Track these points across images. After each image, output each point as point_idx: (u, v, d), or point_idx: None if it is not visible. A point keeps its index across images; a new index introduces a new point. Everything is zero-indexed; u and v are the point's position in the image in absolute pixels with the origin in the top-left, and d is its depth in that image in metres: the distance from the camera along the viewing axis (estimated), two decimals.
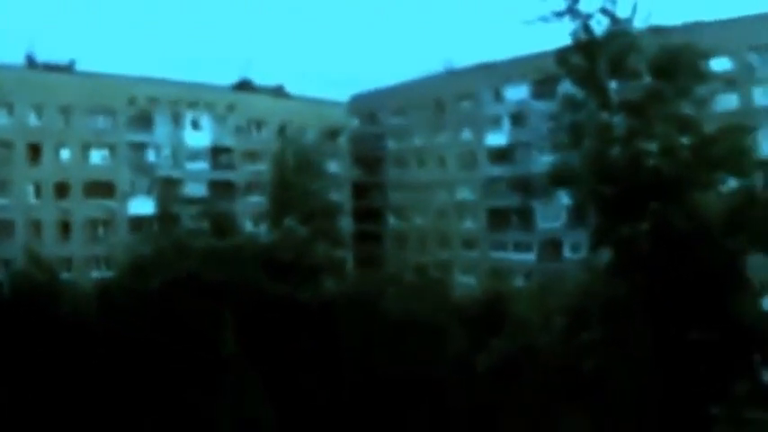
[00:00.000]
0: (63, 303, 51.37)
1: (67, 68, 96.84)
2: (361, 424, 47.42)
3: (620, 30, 35.27)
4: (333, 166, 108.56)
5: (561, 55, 37.85)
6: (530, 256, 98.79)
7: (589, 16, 35.87)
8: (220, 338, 48.41)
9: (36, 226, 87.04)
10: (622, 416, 33.75)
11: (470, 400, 43.23)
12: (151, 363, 47.23)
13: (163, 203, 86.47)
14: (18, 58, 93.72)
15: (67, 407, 46.49)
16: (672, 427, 32.81)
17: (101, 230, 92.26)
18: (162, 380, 47.07)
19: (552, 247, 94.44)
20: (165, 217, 79.91)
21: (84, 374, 47.24)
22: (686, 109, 35.01)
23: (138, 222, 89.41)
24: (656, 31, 34.78)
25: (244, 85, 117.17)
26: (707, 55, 37.70)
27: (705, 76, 36.01)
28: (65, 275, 69.02)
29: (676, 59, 34.35)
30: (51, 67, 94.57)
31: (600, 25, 35.92)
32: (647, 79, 35.23)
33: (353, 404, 48.26)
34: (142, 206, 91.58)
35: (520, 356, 38.64)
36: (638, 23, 35.08)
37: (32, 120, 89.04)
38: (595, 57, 36.27)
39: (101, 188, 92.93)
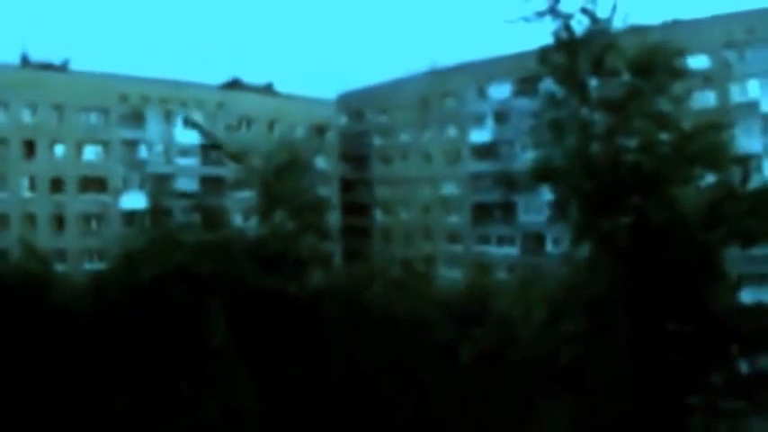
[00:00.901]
0: (57, 293, 51.19)
1: (61, 68, 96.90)
2: (347, 414, 47.33)
3: (599, 29, 35.35)
4: (321, 163, 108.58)
5: (543, 54, 37.92)
6: (513, 250, 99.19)
7: (570, 16, 35.92)
8: (209, 329, 48.19)
9: (31, 219, 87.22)
10: (600, 405, 33.78)
11: (453, 390, 43.14)
12: (141, 352, 47.01)
13: (154, 198, 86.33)
14: (12, 58, 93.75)
15: (58, 394, 46.32)
16: (649, 416, 32.87)
17: (94, 224, 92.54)
18: (151, 369, 46.85)
19: (535, 241, 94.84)
20: (157, 211, 79.65)
21: (74, 363, 47.03)
22: (664, 106, 35.08)
23: (130, 216, 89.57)
24: (635, 30, 34.89)
25: (233, 84, 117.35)
26: (683, 53, 37.77)
27: (682, 74, 36.12)
28: (59, 267, 69.02)
29: (653, 57, 34.46)
30: (45, 67, 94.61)
31: (580, 25, 36.00)
32: (626, 77, 35.32)
33: (339, 395, 48.13)
34: (134, 201, 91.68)
35: (501, 347, 38.57)
36: (618, 23, 35.19)
37: (27, 117, 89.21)
38: (576, 55, 36.32)
39: (94, 183, 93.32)
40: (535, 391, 36.84)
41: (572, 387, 34.75)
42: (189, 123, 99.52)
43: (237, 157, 65.84)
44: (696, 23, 76.89)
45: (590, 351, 33.49)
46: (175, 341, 47.48)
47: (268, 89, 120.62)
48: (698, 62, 69.98)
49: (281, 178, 61.78)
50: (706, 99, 73.74)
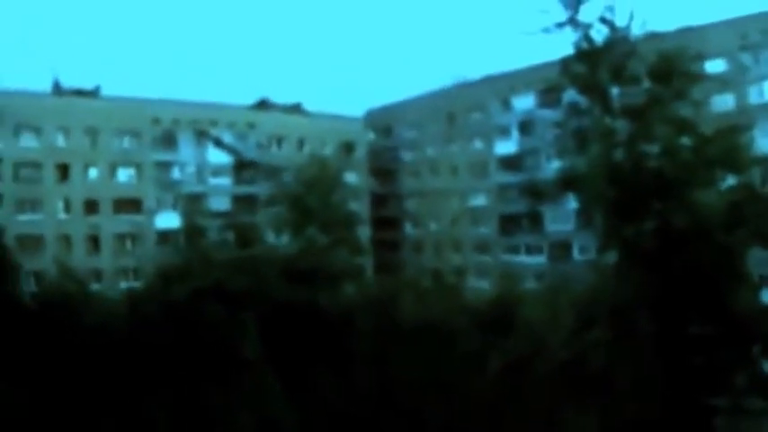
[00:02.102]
0: (92, 312, 51.34)
1: (93, 93, 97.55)
2: (379, 426, 47.13)
3: (619, 37, 35.17)
4: (351, 178, 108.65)
5: (564, 64, 37.77)
6: (540, 259, 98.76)
7: (589, 26, 35.76)
8: (243, 344, 48.18)
9: (66, 240, 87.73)
10: (626, 410, 33.46)
11: (483, 399, 42.88)
12: (175, 368, 47.03)
13: (188, 217, 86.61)
14: (44, 86, 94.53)
15: (94, 411, 46.35)
16: (674, 419, 32.54)
17: (129, 244, 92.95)
18: (185, 384, 46.85)
19: (562, 249, 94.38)
20: (191, 230, 79.89)
21: (110, 379, 47.09)
22: (684, 111, 34.84)
23: (164, 236, 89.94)
24: (652, 36, 34.68)
25: (262, 104, 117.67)
26: (701, 57, 37.58)
27: (700, 78, 35.90)
28: (95, 286, 69.35)
29: (672, 63, 34.23)
30: (77, 93, 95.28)
31: (600, 34, 35.83)
32: (646, 84, 35.11)
33: (371, 407, 47.94)
34: (168, 220, 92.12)
35: (530, 356, 38.31)
36: (636, 30, 34.98)
37: (60, 142, 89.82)
38: (597, 65, 36.14)
39: (128, 204, 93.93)
40: (563, 399, 36.53)
41: (599, 393, 34.46)
42: (217, 144, 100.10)
43: (271, 173, 66.08)
44: (711, 27, 76.30)
45: (616, 357, 33.22)
46: (210, 356, 47.46)
47: (296, 108, 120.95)
48: (715, 66, 69.57)
49: (313, 194, 61.92)
50: (724, 102, 73.24)
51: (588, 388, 34.94)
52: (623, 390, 33.67)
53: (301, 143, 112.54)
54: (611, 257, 36.35)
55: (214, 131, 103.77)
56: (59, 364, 46.92)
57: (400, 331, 49.82)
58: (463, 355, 45.73)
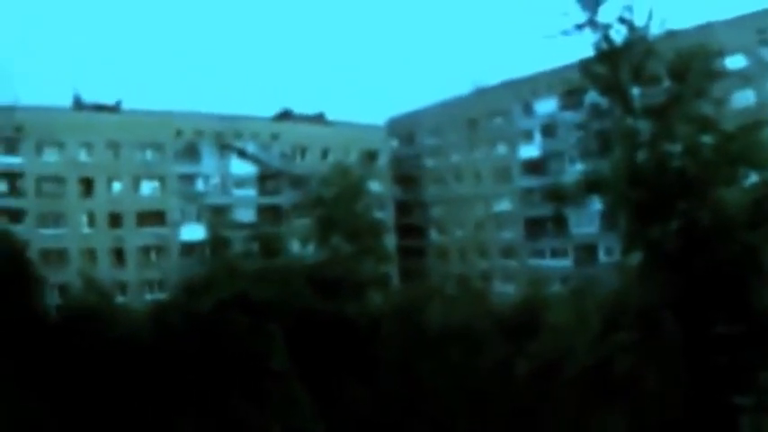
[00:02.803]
0: (118, 324, 51.51)
1: (114, 108, 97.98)
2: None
3: (638, 37, 34.95)
4: (375, 187, 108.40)
5: (585, 66, 37.57)
6: (566, 262, 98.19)
7: (608, 26, 35.56)
8: (270, 354, 48.16)
9: (90, 254, 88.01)
10: (653, 411, 33.21)
11: (510, 405, 42.69)
12: (202, 377, 47.08)
13: (213, 229, 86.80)
14: (65, 101, 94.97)
15: (121, 421, 46.45)
16: (700, 418, 32.24)
17: (153, 256, 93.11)
18: (213, 393, 46.92)
19: (587, 252, 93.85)
20: (216, 241, 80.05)
21: (137, 389, 47.19)
22: (705, 108, 34.59)
23: (189, 248, 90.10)
24: (671, 34, 34.44)
25: (285, 115, 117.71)
26: (719, 54, 37.36)
27: (720, 75, 35.65)
28: (119, 299, 69.69)
29: (691, 61, 33.99)
30: (98, 108, 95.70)
31: (619, 34, 35.62)
32: (667, 83, 34.87)
33: (398, 413, 47.82)
34: (193, 232, 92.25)
35: (556, 360, 38.08)
36: (655, 29, 34.76)
37: (83, 156, 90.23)
38: (617, 65, 35.94)
39: (152, 217, 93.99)
40: (590, 402, 36.30)
41: (626, 395, 34.22)
42: (240, 154, 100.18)
43: (296, 183, 66.19)
44: (729, 23, 75.63)
45: (642, 358, 32.97)
46: (236, 366, 47.51)
47: (319, 118, 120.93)
48: (734, 62, 69.02)
49: (337, 204, 61.88)
50: (744, 98, 72.53)
51: (615, 390, 34.73)
52: (650, 391, 33.43)
53: (325, 153, 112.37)
54: (636, 259, 36.09)
55: (237, 143, 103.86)
56: (85, 376, 47.10)
57: (427, 338, 49.71)
58: (490, 360, 45.59)
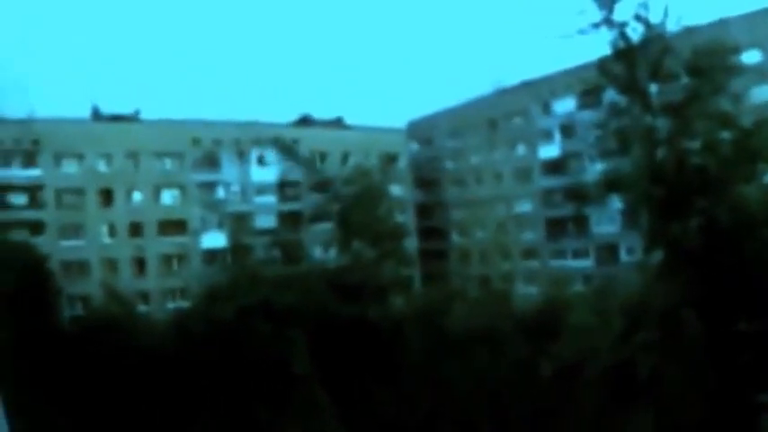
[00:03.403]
0: (140, 333, 51.75)
1: (132, 118, 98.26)
2: None
3: (654, 34, 34.79)
4: (395, 190, 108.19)
5: (602, 65, 37.44)
6: (588, 262, 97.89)
7: (624, 24, 35.41)
8: (292, 360, 48.21)
9: (112, 264, 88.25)
10: (677, 410, 33.02)
11: (533, 406, 42.58)
12: (225, 384, 47.21)
13: (234, 236, 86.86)
14: (83, 112, 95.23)
15: (144, 430, 46.65)
16: (724, 416, 32.03)
17: (175, 265, 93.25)
18: (236, 400, 47.04)
19: (609, 251, 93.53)
20: (238, 248, 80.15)
21: (160, 397, 47.37)
22: (723, 105, 34.38)
23: (211, 255, 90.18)
24: (688, 31, 34.27)
25: (304, 121, 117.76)
26: (736, 50, 37.18)
27: (737, 71, 35.44)
28: (142, 308, 69.94)
29: (708, 57, 33.81)
30: (116, 118, 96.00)
31: (635, 32, 35.47)
32: (684, 80, 34.72)
33: (422, 417, 47.76)
34: (214, 240, 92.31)
35: (579, 360, 37.92)
36: (671, 26, 34.58)
37: (102, 167, 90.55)
38: (634, 63, 35.79)
39: (173, 226, 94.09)
40: (614, 403, 36.14)
41: (650, 395, 34.04)
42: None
43: (321, 188, 66.18)
44: (745, 18, 75.06)
45: (665, 358, 32.80)
46: (259, 372, 47.58)
47: (338, 123, 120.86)
48: (751, 57, 68.67)
49: (358, 208, 61.87)
50: (762, 93, 72.05)
51: (638, 390, 34.57)
52: (673, 390, 33.26)
53: (345, 157, 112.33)
54: (657, 257, 35.91)
55: (256, 150, 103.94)
56: (107, 386, 47.31)
57: (449, 341, 49.65)
58: (513, 362, 45.49)
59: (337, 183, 64.27)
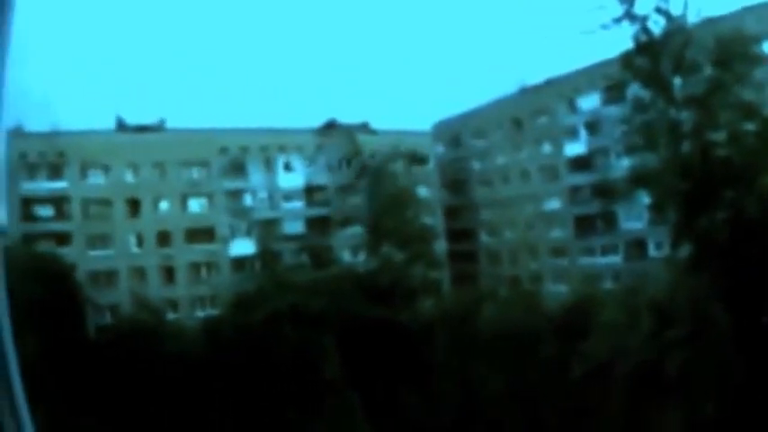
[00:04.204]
0: (169, 341, 51.83)
1: (157, 128, 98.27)
2: None
3: (676, 26, 34.51)
4: (423, 192, 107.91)
5: (625, 59, 37.21)
6: (617, 259, 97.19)
7: (646, 18, 35.14)
8: (322, 364, 48.23)
9: (140, 273, 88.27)
10: (708, 404, 32.69)
11: (564, 405, 42.31)
12: (256, 390, 47.22)
13: (263, 243, 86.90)
14: (108, 124, 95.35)
15: None
16: (753, 409, 31.63)
17: (204, 272, 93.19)
18: (266, 406, 47.03)
19: (637, 247, 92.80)
20: (266, 255, 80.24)
21: (191, 406, 47.38)
22: (747, 95, 34.02)
23: (239, 263, 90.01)
24: (709, 22, 34.00)
25: (330, 126, 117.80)
26: (758, 39, 36.84)
27: (760, 60, 35.11)
28: (171, 316, 69.96)
29: (731, 47, 33.50)
30: (141, 129, 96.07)
31: (657, 25, 35.21)
32: (707, 71, 34.41)
33: (453, 419, 47.60)
34: (243, 247, 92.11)
35: (610, 359, 37.61)
36: (692, 18, 34.31)
37: (129, 178, 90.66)
38: (657, 56, 35.53)
39: (201, 234, 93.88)
40: (644, 399, 35.81)
41: (680, 390, 33.71)
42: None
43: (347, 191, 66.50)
44: (766, 7, 74.24)
45: (695, 353, 32.45)
46: (289, 377, 47.59)
47: (364, 127, 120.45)
48: None
49: (387, 212, 61.87)
50: None
51: (669, 386, 34.25)
52: (703, 385, 32.92)
53: (372, 158, 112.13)
54: (686, 251, 35.59)
55: (282, 157, 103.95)
56: (138, 393, 47.31)
57: (479, 342, 49.49)
58: (543, 362, 45.24)
59: (362, 189, 64.60)
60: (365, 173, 65.80)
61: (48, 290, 48.31)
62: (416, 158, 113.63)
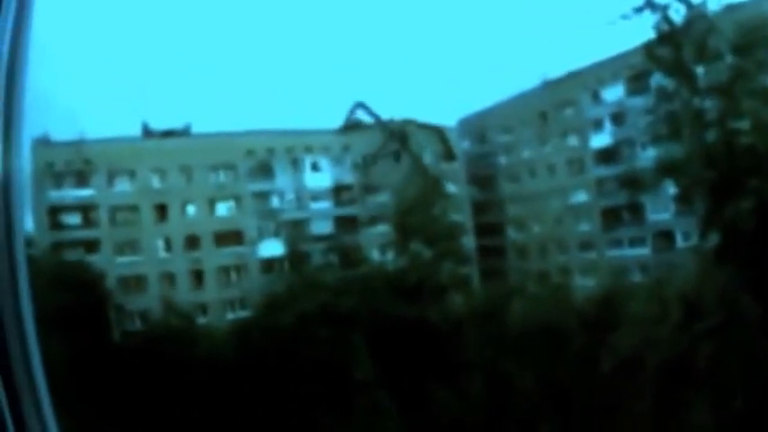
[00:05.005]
0: (200, 344, 51.91)
1: (183, 132, 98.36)
2: None
3: (697, 14, 34.26)
4: (450, 188, 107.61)
5: (648, 49, 37.04)
6: (645, 250, 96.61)
7: (667, 7, 34.91)
8: (353, 364, 48.13)
9: (169, 278, 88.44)
10: (737, 395, 32.39)
11: (595, 400, 42.06)
12: (287, 391, 47.19)
13: (291, 244, 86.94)
14: (133, 130, 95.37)
15: None
16: None
17: (233, 275, 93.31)
18: (298, 408, 46.98)
19: (665, 238, 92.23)
20: (295, 256, 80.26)
21: (222, 408, 47.40)
22: None
23: (269, 264, 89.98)
24: (729, 9, 33.69)
25: (354, 125, 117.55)
26: None
27: None
28: (201, 320, 70.06)
29: (752, 34, 33.17)
30: (167, 134, 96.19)
31: (678, 14, 34.96)
32: (729, 58, 34.11)
33: (484, 416, 47.42)
34: (271, 248, 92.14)
35: (639, 352, 37.33)
36: (712, 5, 34.04)
37: (156, 183, 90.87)
38: (679, 45, 35.39)
39: (230, 237, 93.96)
40: (674, 392, 35.53)
41: (709, 383, 33.41)
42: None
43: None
44: None
45: (724, 344, 32.14)
46: (320, 378, 47.54)
47: (411, 123, 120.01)
48: None
49: (415, 209, 61.87)
50: None
51: (698, 379, 33.99)
52: (732, 377, 32.62)
53: (398, 159, 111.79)
54: (713, 241, 35.32)
55: (309, 157, 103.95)
56: (169, 398, 47.36)
57: (509, 338, 49.28)
58: (574, 356, 45.02)
59: (389, 187, 64.50)
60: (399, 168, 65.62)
61: (76, 297, 48.45)
62: (449, 154, 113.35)
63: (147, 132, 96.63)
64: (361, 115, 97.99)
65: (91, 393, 44.07)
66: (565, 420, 43.75)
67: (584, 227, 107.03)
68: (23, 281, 4.85)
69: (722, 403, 33.06)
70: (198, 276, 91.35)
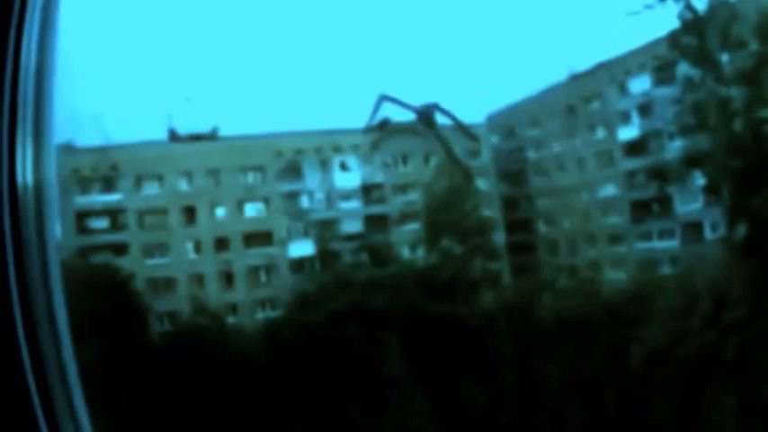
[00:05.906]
0: (230, 344, 52.10)
1: (211, 136, 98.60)
2: (524, 428, 46.59)
3: (720, 1, 33.97)
4: (480, 184, 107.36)
5: (672, 38, 36.77)
6: (674, 243, 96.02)
7: None
8: (385, 361, 48.14)
9: (199, 279, 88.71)
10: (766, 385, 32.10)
11: (625, 392, 41.87)
12: (319, 390, 47.24)
13: (321, 243, 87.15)
14: (161, 135, 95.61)
15: None
16: None
17: (263, 275, 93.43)
18: (330, 406, 47.04)
19: (693, 230, 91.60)
20: (325, 255, 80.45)
21: (254, 407, 47.53)
22: None
23: (299, 264, 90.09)
24: None
25: (384, 124, 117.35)
26: None
27: None
28: (231, 320, 70.40)
29: None
30: (195, 138, 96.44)
31: (701, 2, 34.70)
32: (754, 45, 33.78)
33: (515, 410, 47.33)
34: (301, 248, 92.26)
35: (669, 344, 37.10)
36: None
37: (184, 186, 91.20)
38: (703, 33, 35.02)
39: (259, 237, 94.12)
40: (702, 383, 35.27)
41: (737, 373, 33.13)
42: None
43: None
44: None
45: (752, 334, 31.85)
46: (352, 375, 47.58)
47: (458, 125, 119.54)
48: None
49: (445, 206, 61.80)
50: None
51: (726, 370, 33.74)
52: (761, 368, 32.33)
53: (427, 157, 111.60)
54: (741, 232, 34.99)
55: (338, 157, 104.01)
56: (201, 398, 47.51)
57: (540, 332, 49.15)
58: (604, 350, 44.86)
59: (419, 185, 64.52)
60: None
61: (106, 300, 48.73)
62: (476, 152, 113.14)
63: (174, 137, 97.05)
64: (388, 110, 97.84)
65: (123, 394, 44.31)
66: (596, 412, 43.53)
67: (614, 220, 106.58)
68: (57, 285, 4.87)
69: (751, 394, 32.75)
70: (228, 277, 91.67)
